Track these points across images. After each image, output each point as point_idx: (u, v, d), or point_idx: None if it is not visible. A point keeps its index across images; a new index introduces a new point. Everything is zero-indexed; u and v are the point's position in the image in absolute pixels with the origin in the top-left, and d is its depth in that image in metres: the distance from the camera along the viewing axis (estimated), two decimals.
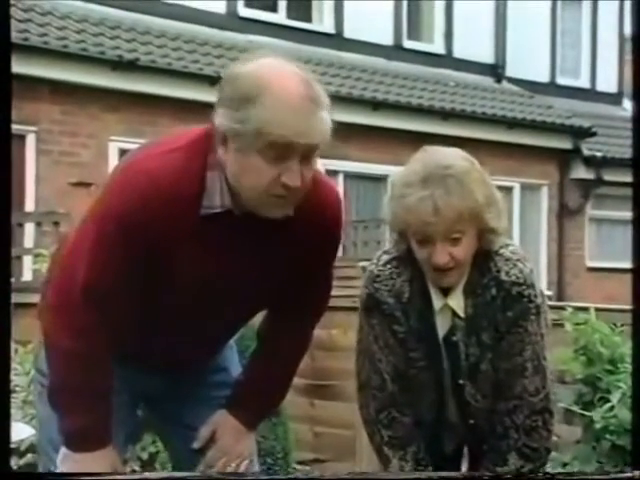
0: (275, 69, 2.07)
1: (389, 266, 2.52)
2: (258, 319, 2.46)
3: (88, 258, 2.13)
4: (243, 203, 2.10)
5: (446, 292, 2.48)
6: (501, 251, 2.48)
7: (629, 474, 2.09)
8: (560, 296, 13.30)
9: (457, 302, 2.48)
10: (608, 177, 13.97)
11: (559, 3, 15.26)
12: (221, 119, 2.06)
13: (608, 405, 3.74)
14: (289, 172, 2.03)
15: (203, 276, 2.15)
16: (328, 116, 2.07)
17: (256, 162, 2.03)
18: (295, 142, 2.02)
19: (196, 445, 2.40)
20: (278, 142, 2.01)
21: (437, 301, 2.49)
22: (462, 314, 2.47)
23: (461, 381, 2.52)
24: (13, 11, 8.68)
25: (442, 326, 2.50)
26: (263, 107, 2.01)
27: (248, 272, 2.19)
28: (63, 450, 2.24)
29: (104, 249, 2.11)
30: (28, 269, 7.58)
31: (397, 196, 2.39)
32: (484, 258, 2.46)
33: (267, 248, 2.19)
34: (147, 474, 3.76)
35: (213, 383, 2.45)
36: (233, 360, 2.52)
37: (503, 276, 2.46)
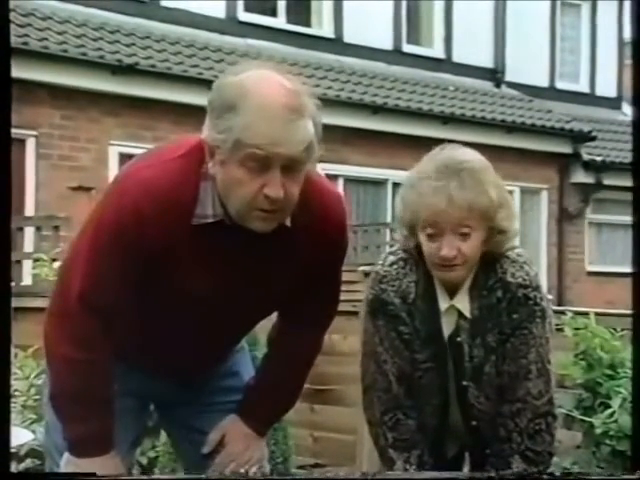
0: (259, 79, 2.06)
1: (395, 267, 2.52)
2: (267, 326, 2.45)
3: (84, 267, 2.14)
4: (231, 215, 2.11)
5: (452, 293, 2.48)
6: (507, 253, 2.49)
7: (633, 476, 2.09)
8: (560, 300, 13.29)
9: (463, 303, 2.48)
10: (608, 181, 13.97)
11: (558, 8, 15.27)
12: (207, 130, 2.08)
13: (609, 411, 3.73)
14: (270, 183, 2.03)
15: (202, 284, 2.15)
16: (311, 127, 2.05)
17: (238, 174, 2.03)
18: (273, 152, 2.01)
19: (205, 450, 2.41)
20: (256, 153, 2.01)
21: (443, 302, 2.49)
22: (468, 315, 2.48)
23: (465, 382, 2.52)
24: (13, 16, 8.68)
25: (448, 328, 2.51)
26: (242, 116, 2.01)
27: (248, 280, 2.19)
28: (66, 455, 2.25)
29: (100, 258, 2.12)
30: (28, 273, 7.56)
31: (410, 186, 2.41)
32: (490, 260, 2.46)
33: (268, 256, 2.18)
34: (154, 476, 3.76)
35: (223, 388, 2.45)
36: (245, 364, 2.52)
37: (509, 278, 2.46)
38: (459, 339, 2.50)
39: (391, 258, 2.54)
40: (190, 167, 2.12)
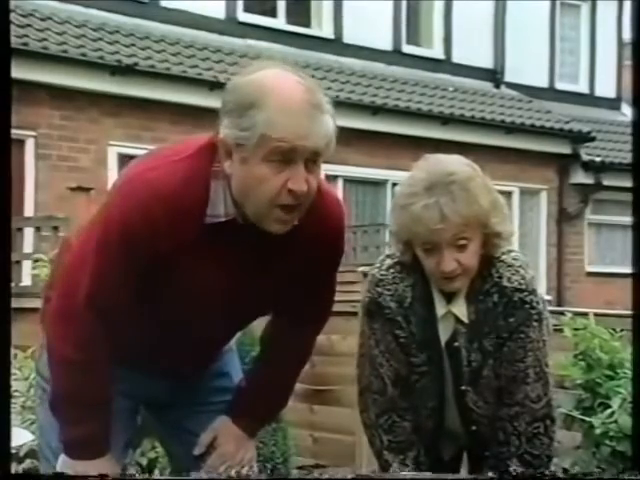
0: (278, 76, 2.08)
1: (392, 270, 2.52)
2: (259, 325, 2.45)
3: (91, 268, 2.13)
4: (248, 215, 2.10)
5: (449, 299, 2.48)
6: (503, 257, 2.49)
7: (634, 477, 2.10)
8: (559, 301, 13.30)
9: (460, 309, 2.48)
10: (607, 182, 13.98)
11: (558, 8, 15.28)
12: (225, 129, 2.07)
13: (608, 411, 3.73)
14: (295, 177, 2.04)
15: (206, 284, 2.15)
16: (331, 122, 2.08)
17: (262, 171, 2.04)
18: (298, 145, 2.02)
19: (196, 451, 2.40)
20: (282, 147, 2.02)
21: (440, 308, 2.49)
22: (466, 320, 2.48)
23: (463, 387, 2.52)
24: (13, 16, 8.69)
25: (444, 332, 2.51)
26: (266, 112, 2.02)
27: (251, 280, 2.19)
28: (62, 457, 2.25)
29: (106, 259, 2.12)
30: (27, 274, 7.56)
31: (402, 205, 2.40)
32: (486, 264, 2.47)
33: (271, 257, 2.19)
34: (154, 477, 3.75)
35: (214, 388, 2.45)
36: (234, 365, 2.52)
37: (505, 282, 2.47)
38: (456, 344, 2.50)
39: (388, 262, 2.54)
40: (200, 167, 2.11)
